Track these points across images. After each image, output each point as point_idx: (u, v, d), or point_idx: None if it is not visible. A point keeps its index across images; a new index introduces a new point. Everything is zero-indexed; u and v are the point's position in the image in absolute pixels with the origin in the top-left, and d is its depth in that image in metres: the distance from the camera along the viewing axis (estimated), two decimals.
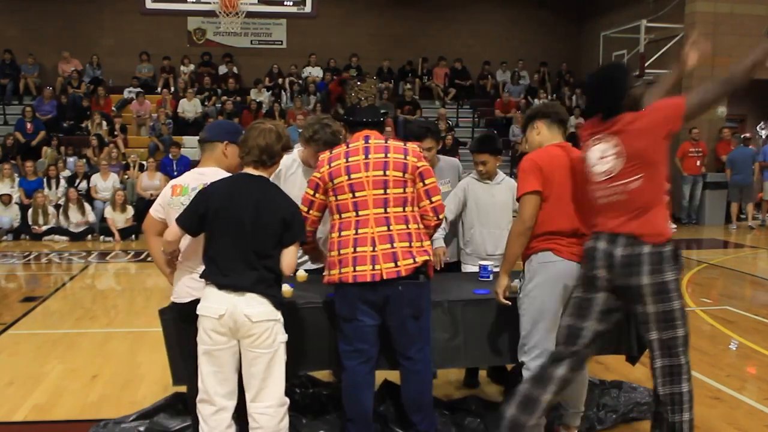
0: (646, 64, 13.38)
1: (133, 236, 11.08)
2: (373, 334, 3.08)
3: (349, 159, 3.06)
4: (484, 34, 17.35)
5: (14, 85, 15.03)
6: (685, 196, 13.09)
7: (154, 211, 3.07)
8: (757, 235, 12.04)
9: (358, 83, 3.31)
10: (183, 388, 3.25)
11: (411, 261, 3.00)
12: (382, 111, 3.22)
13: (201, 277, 2.86)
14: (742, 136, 13.50)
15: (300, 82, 15.71)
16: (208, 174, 3.00)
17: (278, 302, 2.82)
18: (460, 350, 3.40)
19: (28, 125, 13.23)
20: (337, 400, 3.58)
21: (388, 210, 3.03)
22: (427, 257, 3.05)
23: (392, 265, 2.97)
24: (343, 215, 3.07)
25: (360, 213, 3.04)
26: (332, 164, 3.08)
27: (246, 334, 2.76)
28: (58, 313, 6.41)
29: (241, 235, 2.77)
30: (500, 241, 4.15)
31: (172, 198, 3.00)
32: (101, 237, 11.04)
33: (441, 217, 3.15)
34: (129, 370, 4.66)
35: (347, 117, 3.24)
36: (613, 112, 2.89)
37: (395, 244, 2.99)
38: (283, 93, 15.49)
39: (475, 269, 3.94)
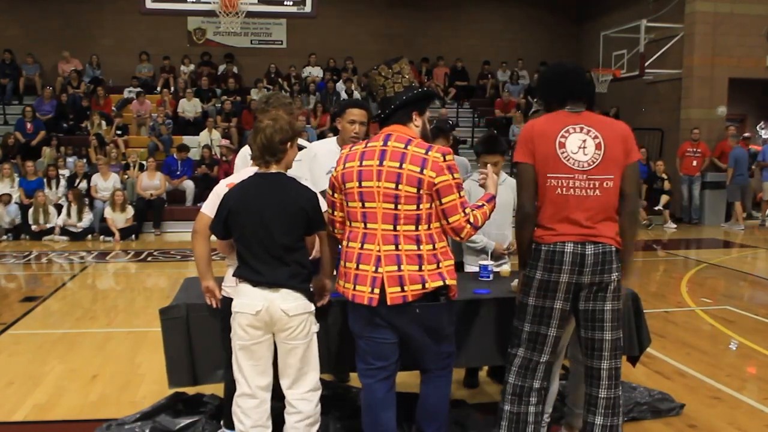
0: (646, 64, 13.38)
1: (133, 236, 11.09)
2: (392, 351, 2.85)
3: (363, 162, 2.78)
4: (484, 34, 17.35)
5: (14, 85, 15.02)
6: (684, 195, 13.12)
7: (212, 211, 2.98)
8: (757, 234, 12.03)
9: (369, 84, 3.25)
10: (182, 389, 3.23)
11: (420, 286, 2.70)
12: (391, 102, 2.86)
13: (234, 275, 2.91)
14: (742, 135, 13.49)
15: (299, 81, 15.70)
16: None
17: (311, 295, 2.91)
18: (461, 350, 3.39)
19: (28, 125, 13.23)
20: (336, 400, 3.59)
21: (398, 228, 2.72)
22: (440, 282, 2.73)
23: (398, 289, 2.70)
24: (353, 224, 2.84)
25: (368, 225, 2.78)
26: (346, 165, 2.84)
27: (282, 328, 2.82)
28: (58, 313, 6.41)
29: (267, 232, 2.78)
30: (501, 241, 4.16)
31: None
32: (101, 237, 11.03)
33: (463, 235, 2.78)
34: (129, 370, 4.65)
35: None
36: (589, 105, 2.96)
37: (402, 267, 2.70)
38: (283, 93, 15.48)
39: (476, 269, 3.93)
